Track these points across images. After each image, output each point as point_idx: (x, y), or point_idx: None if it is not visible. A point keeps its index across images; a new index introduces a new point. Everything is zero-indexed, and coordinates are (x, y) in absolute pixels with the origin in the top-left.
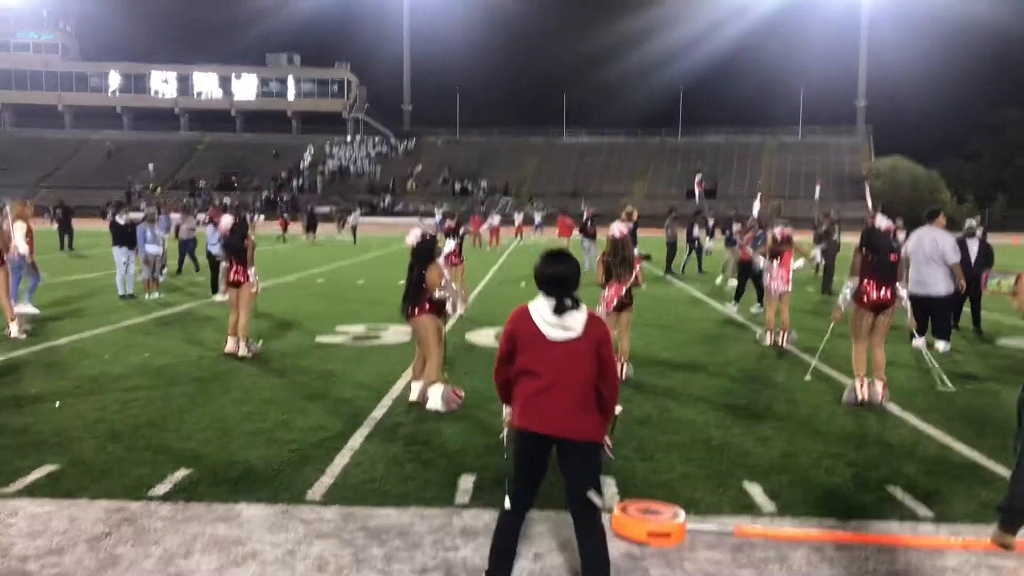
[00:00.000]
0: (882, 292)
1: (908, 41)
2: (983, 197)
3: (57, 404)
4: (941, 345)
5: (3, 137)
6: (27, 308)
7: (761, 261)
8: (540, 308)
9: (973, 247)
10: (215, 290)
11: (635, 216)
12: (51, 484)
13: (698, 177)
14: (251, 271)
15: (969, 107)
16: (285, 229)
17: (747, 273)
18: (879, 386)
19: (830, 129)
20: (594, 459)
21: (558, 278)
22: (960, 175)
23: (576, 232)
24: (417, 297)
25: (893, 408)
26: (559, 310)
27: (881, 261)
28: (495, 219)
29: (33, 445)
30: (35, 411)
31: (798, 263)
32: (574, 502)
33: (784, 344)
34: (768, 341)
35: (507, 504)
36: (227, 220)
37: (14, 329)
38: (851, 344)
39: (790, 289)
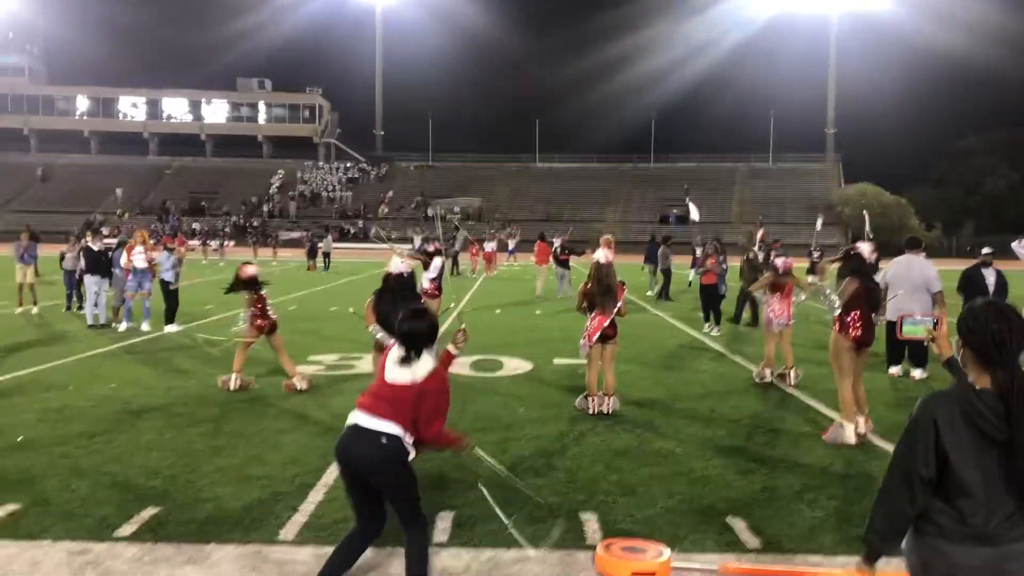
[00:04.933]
0: (868, 328)
1: (876, 70)
2: (950, 224)
3: (19, 439)
4: (918, 373)
5: None
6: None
7: (761, 295)
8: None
9: (990, 277)
10: (170, 320)
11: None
12: (12, 524)
13: (688, 198)
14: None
15: (935, 134)
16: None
17: (710, 296)
18: (861, 419)
19: (801, 156)
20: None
21: (412, 334)
22: (927, 202)
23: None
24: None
25: (873, 439)
26: (404, 361)
27: (873, 293)
28: (490, 244)
29: None
30: None
31: (801, 296)
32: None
33: (793, 383)
34: (768, 378)
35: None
36: (251, 269)
37: None
38: (836, 380)
39: (791, 324)
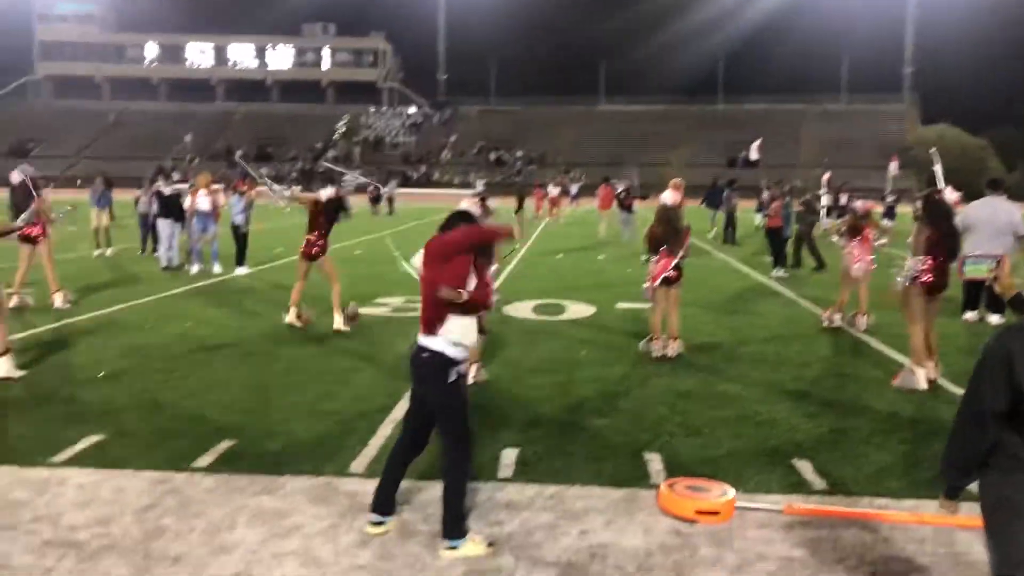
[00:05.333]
0: (941, 274)
1: (958, 3)
2: None
3: (102, 374)
4: (995, 318)
5: (44, 108)
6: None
7: (837, 239)
8: None
9: None
10: (240, 263)
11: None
12: (97, 454)
13: (758, 142)
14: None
15: (1020, 72)
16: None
17: (776, 239)
18: (931, 364)
19: (875, 96)
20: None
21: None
22: (1011, 143)
23: (615, 204)
24: None
25: (945, 384)
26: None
27: (948, 238)
28: (555, 189)
29: (79, 415)
30: (80, 381)
31: (881, 240)
32: None
33: (863, 328)
34: (836, 323)
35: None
36: (328, 192)
37: (58, 299)
38: (907, 326)
39: (872, 269)
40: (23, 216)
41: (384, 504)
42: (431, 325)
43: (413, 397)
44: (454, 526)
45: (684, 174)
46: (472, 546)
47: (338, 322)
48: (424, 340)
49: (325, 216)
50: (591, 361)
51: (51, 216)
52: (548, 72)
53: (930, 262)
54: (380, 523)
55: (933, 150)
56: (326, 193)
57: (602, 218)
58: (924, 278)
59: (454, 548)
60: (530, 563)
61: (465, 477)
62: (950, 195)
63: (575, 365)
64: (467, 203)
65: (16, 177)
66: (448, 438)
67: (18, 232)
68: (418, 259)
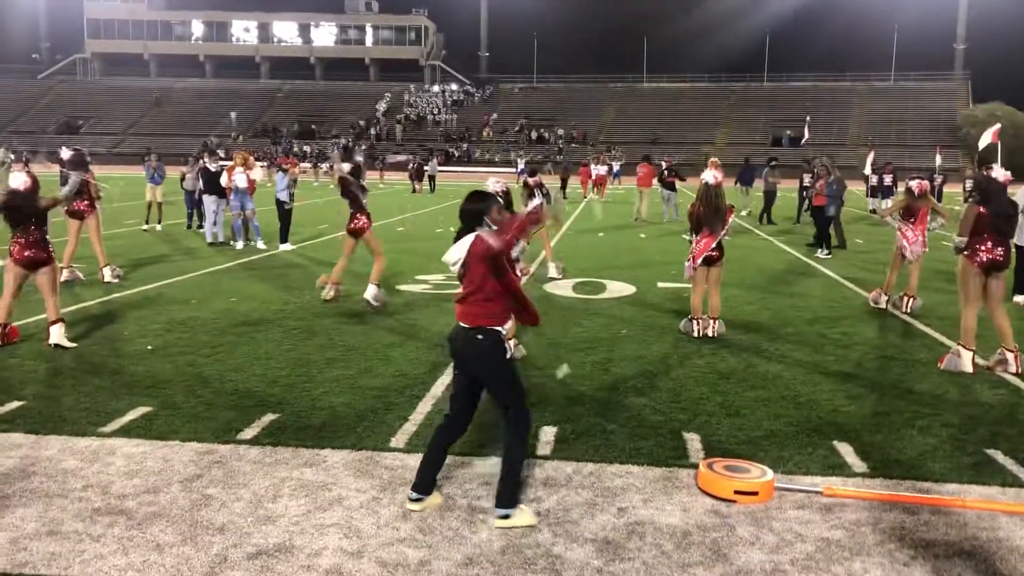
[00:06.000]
0: (998, 251)
1: None
2: None
3: (149, 347)
4: None
5: (92, 85)
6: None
7: (892, 221)
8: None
9: None
10: (284, 239)
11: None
12: (145, 425)
13: (808, 119)
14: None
15: None
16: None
17: (822, 218)
18: (1011, 357)
19: (925, 74)
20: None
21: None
22: None
23: (655, 182)
24: None
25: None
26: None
27: (998, 216)
28: (601, 168)
29: (127, 387)
30: (128, 354)
31: (936, 222)
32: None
33: (909, 310)
34: (882, 304)
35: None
36: (347, 167)
37: (107, 274)
38: (960, 307)
39: (925, 251)
40: (66, 189)
41: (426, 484)
42: (501, 317)
43: (457, 380)
44: (511, 496)
45: (727, 152)
46: (523, 516)
47: (370, 292)
48: (468, 323)
49: (347, 191)
50: (631, 340)
51: (98, 192)
52: (590, 50)
53: (984, 240)
54: (419, 499)
55: (991, 132)
56: (340, 168)
57: (642, 196)
58: (979, 257)
59: (507, 517)
60: (568, 539)
61: (526, 449)
62: (1000, 173)
63: (615, 344)
64: (492, 182)
65: (67, 153)
66: (512, 410)
67: (66, 207)
68: (458, 250)
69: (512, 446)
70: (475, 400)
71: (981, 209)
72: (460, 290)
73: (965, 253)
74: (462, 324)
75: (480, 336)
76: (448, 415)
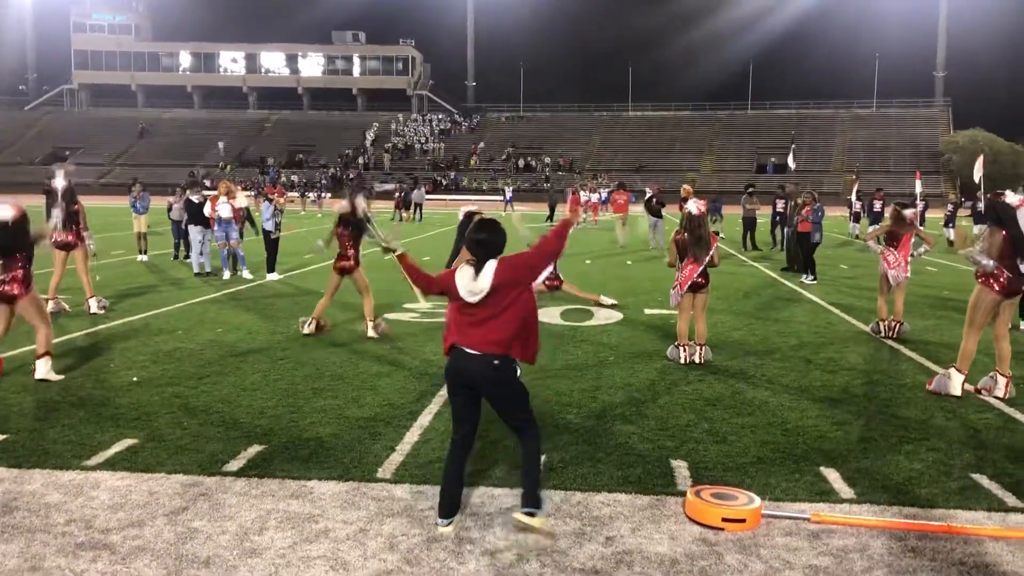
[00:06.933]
0: (1016, 277)
1: (991, 8)
2: None
3: (135, 379)
4: None
5: (80, 116)
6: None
7: (874, 246)
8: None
9: None
10: (271, 269)
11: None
12: (130, 458)
13: (793, 145)
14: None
15: None
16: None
17: (807, 244)
18: (1002, 382)
19: (906, 101)
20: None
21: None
22: None
23: (631, 209)
24: None
25: (983, 394)
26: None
27: (1018, 240)
28: (592, 196)
29: (112, 419)
30: (114, 385)
31: (921, 248)
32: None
33: (897, 336)
34: (882, 332)
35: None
36: (342, 204)
37: (93, 305)
38: (964, 330)
39: (907, 277)
40: (52, 220)
41: (453, 507)
42: (513, 345)
43: (460, 404)
44: (539, 496)
45: (712, 180)
46: (545, 522)
47: (369, 330)
48: (482, 350)
49: (346, 230)
50: (618, 367)
51: (85, 225)
52: (575, 79)
53: (1004, 264)
54: (450, 522)
55: (981, 157)
56: (338, 207)
57: (622, 223)
58: (1002, 283)
59: (533, 515)
60: (556, 569)
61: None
62: (1012, 198)
63: (602, 371)
64: (467, 207)
65: (61, 183)
66: (526, 423)
67: (52, 239)
68: (486, 278)
69: (532, 451)
70: (478, 419)
71: (1005, 233)
72: (466, 316)
73: (980, 281)
74: (472, 351)
75: (497, 362)
76: (456, 440)
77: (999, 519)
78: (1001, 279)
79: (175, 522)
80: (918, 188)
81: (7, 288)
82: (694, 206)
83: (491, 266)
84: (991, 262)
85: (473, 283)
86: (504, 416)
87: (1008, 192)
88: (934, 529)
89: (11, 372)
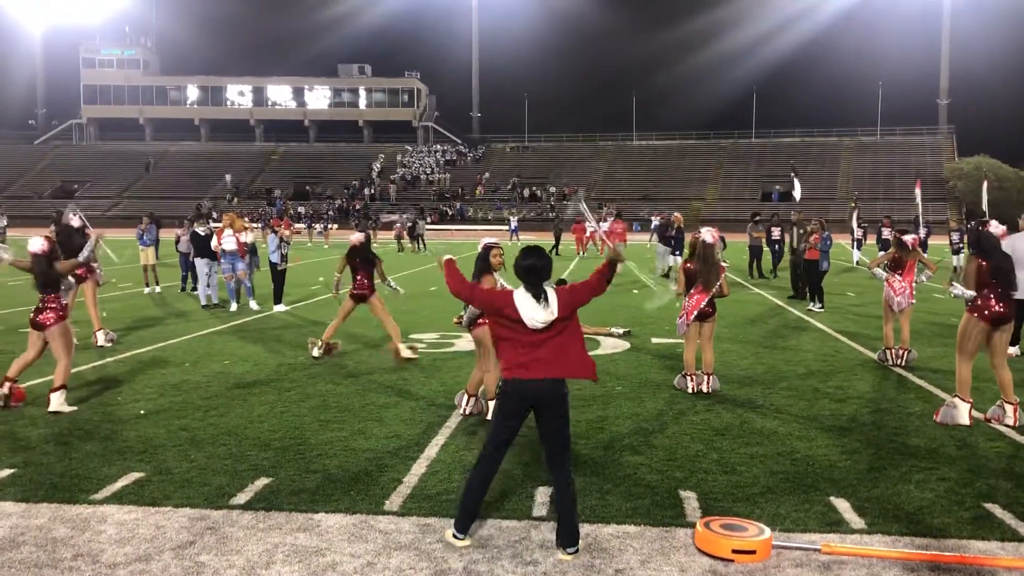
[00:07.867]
0: (1003, 305)
1: (993, 36)
2: None
3: (142, 411)
4: (1013, 350)
5: (88, 150)
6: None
7: (879, 272)
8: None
9: None
10: (278, 301)
11: (680, 222)
12: (137, 491)
13: (793, 174)
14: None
15: None
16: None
17: (815, 272)
18: (1010, 409)
19: (910, 128)
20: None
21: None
22: None
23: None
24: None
25: (992, 422)
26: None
27: (1000, 269)
28: (603, 225)
29: (119, 452)
30: (121, 418)
31: (924, 274)
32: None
33: (904, 363)
34: (890, 360)
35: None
36: (358, 236)
37: (100, 338)
38: (956, 359)
39: (912, 303)
40: (85, 251)
41: (470, 524)
42: (575, 366)
43: (512, 429)
44: (577, 532)
45: (717, 208)
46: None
47: (403, 350)
48: (550, 374)
49: (358, 259)
50: (626, 397)
51: (96, 258)
52: (580, 109)
53: (987, 294)
54: (464, 538)
55: (985, 184)
56: (354, 237)
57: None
58: (986, 312)
59: (577, 552)
60: None
61: None
62: (996, 227)
63: (610, 401)
64: (486, 240)
65: (76, 221)
66: (569, 451)
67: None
68: (554, 305)
69: (571, 486)
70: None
71: (982, 262)
72: (526, 339)
73: (968, 309)
74: (539, 378)
75: (564, 389)
76: (491, 462)
77: (1013, 549)
78: (985, 309)
79: (182, 556)
80: (918, 197)
81: (40, 317)
82: (708, 235)
83: (553, 293)
84: (971, 292)
85: (540, 311)
86: (552, 442)
87: (993, 222)
88: (947, 559)
89: (24, 405)
